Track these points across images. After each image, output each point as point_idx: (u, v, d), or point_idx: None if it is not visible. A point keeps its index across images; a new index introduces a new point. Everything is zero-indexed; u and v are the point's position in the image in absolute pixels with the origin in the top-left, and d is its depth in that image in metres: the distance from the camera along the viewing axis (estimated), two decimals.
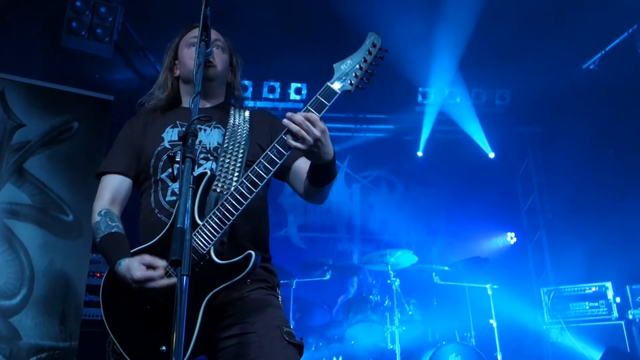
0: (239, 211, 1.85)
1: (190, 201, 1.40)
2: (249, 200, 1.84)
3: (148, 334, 1.83)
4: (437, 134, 7.65)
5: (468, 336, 5.39)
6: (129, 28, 6.10)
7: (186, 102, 2.28)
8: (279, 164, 1.86)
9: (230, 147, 2.07)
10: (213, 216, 1.85)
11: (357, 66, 1.98)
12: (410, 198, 7.84)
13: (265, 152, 1.88)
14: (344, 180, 7.92)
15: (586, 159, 6.82)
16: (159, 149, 2.11)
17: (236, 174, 1.99)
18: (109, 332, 1.89)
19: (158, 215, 2.00)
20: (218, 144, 2.11)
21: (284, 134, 1.85)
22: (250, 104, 7.15)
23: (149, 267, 1.80)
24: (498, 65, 6.65)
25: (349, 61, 2.00)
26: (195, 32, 2.24)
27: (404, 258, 5.76)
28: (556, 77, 6.61)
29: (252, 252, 1.81)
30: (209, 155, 2.07)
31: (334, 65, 2.00)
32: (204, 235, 1.84)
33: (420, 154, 7.76)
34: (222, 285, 1.80)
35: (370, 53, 2.00)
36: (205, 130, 2.14)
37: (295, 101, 7.20)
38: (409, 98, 7.38)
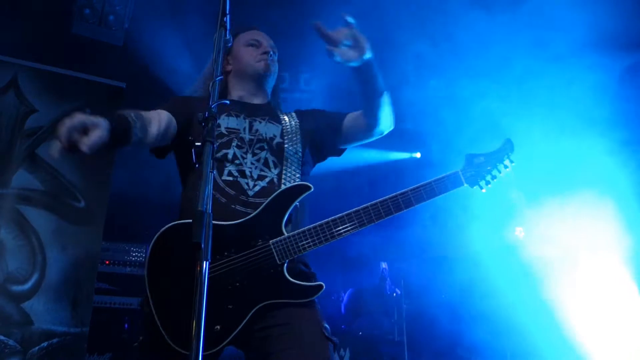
0: (328, 242, 1.91)
1: (210, 185, 1.33)
2: (342, 237, 1.92)
3: (185, 310, 1.78)
4: None
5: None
6: (141, 16, 6.07)
7: (234, 95, 2.33)
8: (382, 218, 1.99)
9: (289, 157, 2.13)
10: (302, 235, 1.90)
11: (488, 170, 2.02)
12: None
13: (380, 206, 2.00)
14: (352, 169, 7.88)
15: None
16: (215, 132, 2.10)
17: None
18: (148, 293, 1.82)
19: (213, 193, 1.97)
20: (274, 135, 2.18)
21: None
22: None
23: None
24: None
25: (482, 159, 2.03)
26: (254, 34, 2.37)
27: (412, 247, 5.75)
28: None
29: (323, 285, 1.89)
30: (264, 144, 2.12)
31: (467, 154, 2.04)
32: (286, 248, 1.87)
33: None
34: (285, 300, 1.85)
35: (505, 165, 2.04)
36: (260, 122, 2.20)
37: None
38: None
